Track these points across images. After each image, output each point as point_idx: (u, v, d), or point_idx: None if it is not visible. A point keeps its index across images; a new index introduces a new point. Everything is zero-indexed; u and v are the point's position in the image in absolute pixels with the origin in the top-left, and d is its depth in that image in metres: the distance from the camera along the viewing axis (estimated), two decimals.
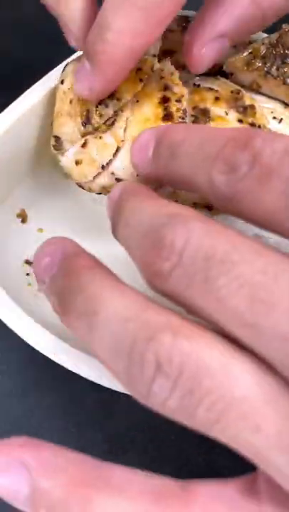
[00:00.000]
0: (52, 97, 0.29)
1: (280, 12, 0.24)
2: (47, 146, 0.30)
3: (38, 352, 0.25)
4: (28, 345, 0.25)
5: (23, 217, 0.34)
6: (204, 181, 0.18)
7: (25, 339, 0.25)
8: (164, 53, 0.27)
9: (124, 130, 0.25)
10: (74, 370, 0.25)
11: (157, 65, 0.26)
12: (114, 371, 0.16)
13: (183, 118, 0.25)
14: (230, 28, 0.24)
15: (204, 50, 0.25)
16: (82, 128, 0.26)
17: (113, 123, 0.26)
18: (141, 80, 0.25)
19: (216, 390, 0.15)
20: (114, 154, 0.25)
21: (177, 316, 0.16)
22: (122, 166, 0.25)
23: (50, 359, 0.25)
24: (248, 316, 0.15)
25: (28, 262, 0.33)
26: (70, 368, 0.25)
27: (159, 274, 0.16)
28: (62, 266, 0.19)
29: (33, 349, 0.25)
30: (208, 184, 0.18)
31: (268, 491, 0.16)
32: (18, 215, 0.34)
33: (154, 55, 0.26)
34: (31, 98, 0.29)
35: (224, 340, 0.16)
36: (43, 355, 0.25)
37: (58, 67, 0.29)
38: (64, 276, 0.19)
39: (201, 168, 0.18)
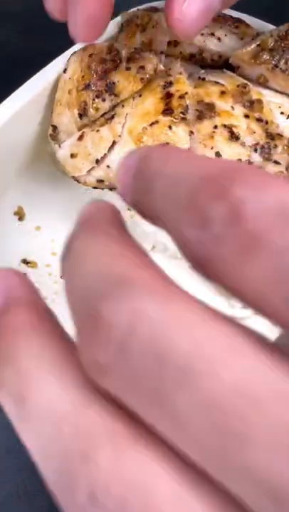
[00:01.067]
0: (51, 91, 0.28)
1: None
2: (44, 142, 0.29)
3: None
4: None
5: (20, 215, 0.34)
6: (174, 230, 0.13)
7: None
8: (168, 44, 0.27)
9: (123, 126, 0.25)
10: None
11: (161, 67, 0.26)
12: (45, 478, 0.13)
13: (183, 114, 0.24)
14: None
15: (186, 5, 0.21)
16: (79, 119, 0.26)
17: (112, 117, 0.25)
18: (142, 80, 0.25)
19: None
20: (110, 149, 0.25)
21: (125, 419, 0.12)
22: (118, 158, 0.25)
23: None
24: (215, 446, 0.11)
25: (25, 262, 0.33)
26: None
27: (95, 365, 0.12)
28: None
29: None
30: (178, 235, 0.13)
31: None
32: (16, 213, 0.34)
33: (162, 53, 0.26)
34: (29, 92, 0.28)
35: (180, 463, 0.12)
36: None
37: (56, 60, 0.28)
38: None
39: (171, 212, 0.13)
